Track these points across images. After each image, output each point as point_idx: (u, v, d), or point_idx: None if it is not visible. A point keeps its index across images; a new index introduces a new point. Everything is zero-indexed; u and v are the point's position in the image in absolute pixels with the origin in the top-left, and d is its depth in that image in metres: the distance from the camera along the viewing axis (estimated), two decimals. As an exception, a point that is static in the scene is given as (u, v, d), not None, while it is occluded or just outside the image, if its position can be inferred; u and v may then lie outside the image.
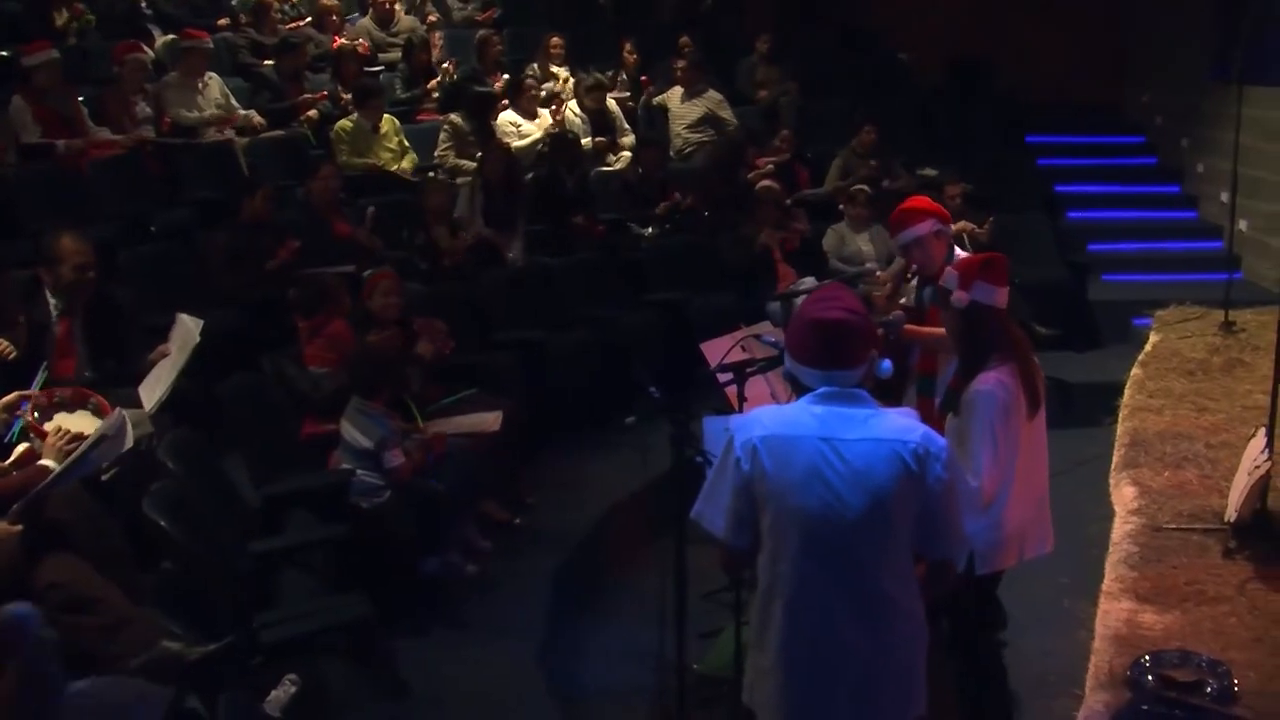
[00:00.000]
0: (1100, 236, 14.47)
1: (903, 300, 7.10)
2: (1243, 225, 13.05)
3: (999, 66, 16.44)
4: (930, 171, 13.64)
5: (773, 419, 4.18)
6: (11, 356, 6.81)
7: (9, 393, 6.23)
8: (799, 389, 4.22)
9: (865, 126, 13.57)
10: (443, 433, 7.88)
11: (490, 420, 8.16)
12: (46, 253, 7.43)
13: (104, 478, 6.01)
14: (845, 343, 4.12)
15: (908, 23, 17.00)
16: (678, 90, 14.27)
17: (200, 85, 12.00)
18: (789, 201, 12.66)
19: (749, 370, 6.10)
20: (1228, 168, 11.61)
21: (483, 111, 12.62)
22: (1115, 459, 8.61)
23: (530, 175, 12.23)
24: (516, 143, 12.58)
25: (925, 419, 4.25)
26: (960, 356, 5.50)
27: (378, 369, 7.60)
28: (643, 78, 14.75)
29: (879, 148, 13.56)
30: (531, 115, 12.88)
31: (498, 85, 13.53)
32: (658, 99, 14.43)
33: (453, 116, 12.59)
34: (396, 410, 7.73)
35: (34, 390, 6.17)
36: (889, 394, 6.20)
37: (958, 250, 6.87)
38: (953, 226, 6.85)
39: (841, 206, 12.43)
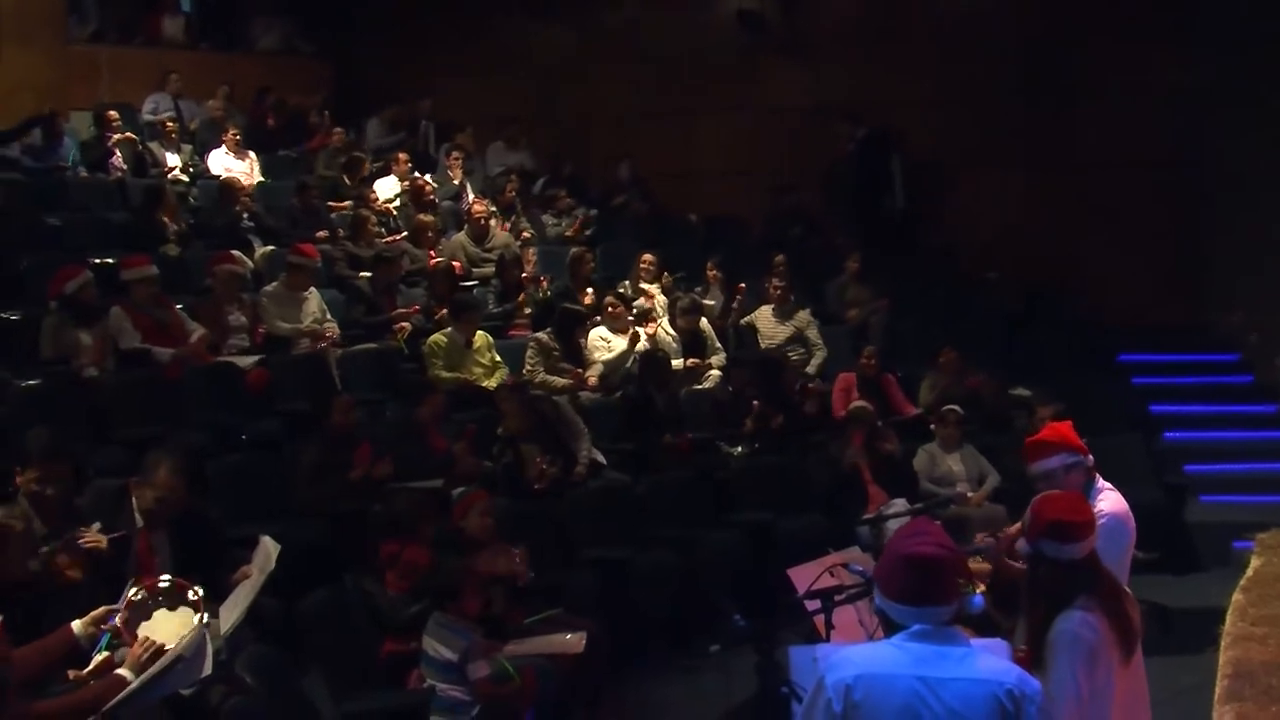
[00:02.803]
0: (1197, 457, 14.20)
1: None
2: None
3: (1082, 286, 16.41)
4: (1023, 392, 13.57)
5: (865, 658, 4.12)
6: (99, 548, 6.85)
7: (97, 595, 6.30)
8: (889, 626, 4.16)
9: (944, 349, 13.55)
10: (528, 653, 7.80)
11: (573, 641, 8.06)
12: (144, 470, 7.51)
13: (185, 692, 5.98)
14: (938, 579, 4.07)
15: (991, 243, 17.03)
16: (767, 309, 14.34)
17: (301, 299, 12.19)
18: (879, 422, 12.59)
19: (837, 598, 6.00)
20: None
21: (569, 328, 12.68)
22: (1218, 691, 8.31)
23: (619, 393, 12.29)
24: (605, 355, 12.69)
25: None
26: (1028, 602, 5.33)
27: (460, 582, 7.55)
28: (735, 302, 14.73)
29: (962, 369, 13.51)
30: (622, 331, 12.94)
31: (588, 301, 13.63)
32: (746, 318, 14.50)
33: (539, 334, 12.67)
34: (481, 628, 7.66)
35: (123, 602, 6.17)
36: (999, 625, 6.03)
37: (1100, 481, 6.49)
38: (1091, 458, 6.54)
39: (932, 427, 12.35)
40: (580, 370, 12.46)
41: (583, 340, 12.70)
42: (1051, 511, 5.22)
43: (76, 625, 5.83)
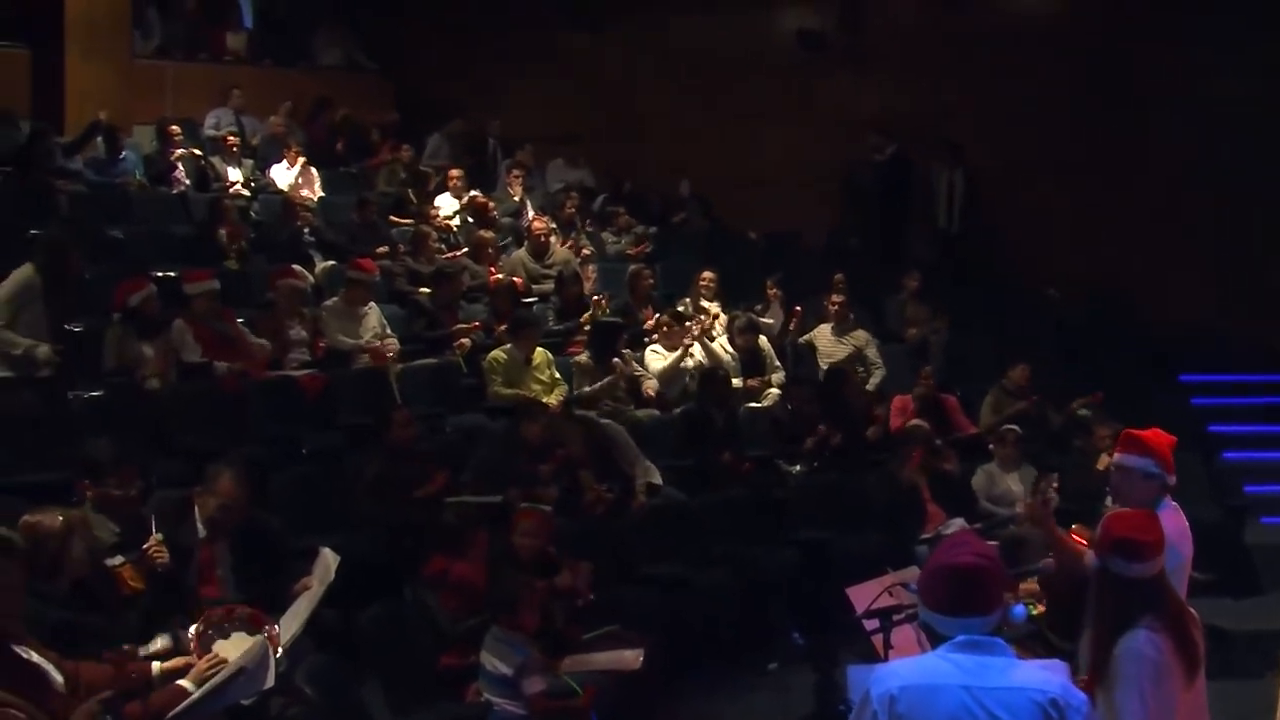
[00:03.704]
0: (1257, 478, 14.00)
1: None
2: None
3: (1143, 304, 16.28)
4: (1084, 411, 13.47)
5: (910, 669, 4.13)
6: (162, 560, 6.95)
7: (157, 603, 6.38)
8: (934, 638, 4.16)
9: (1018, 365, 13.47)
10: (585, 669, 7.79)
11: (630, 658, 8.03)
12: (206, 479, 7.57)
13: (245, 702, 6.01)
14: (979, 589, 4.08)
15: (1051, 258, 16.92)
16: (826, 327, 14.32)
17: (360, 314, 12.26)
18: (938, 441, 12.53)
19: (896, 618, 5.99)
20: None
21: (605, 344, 12.66)
22: (1278, 716, 8.26)
23: (679, 410, 12.31)
24: (657, 364, 12.79)
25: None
26: (1094, 619, 5.29)
27: (517, 598, 7.56)
28: (792, 318, 14.69)
29: (1030, 386, 13.44)
30: (674, 349, 12.94)
31: (649, 320, 13.64)
32: (805, 337, 14.47)
33: (579, 357, 12.72)
34: (539, 643, 7.66)
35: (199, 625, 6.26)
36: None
37: (1168, 502, 6.33)
38: (1173, 478, 6.40)
39: (991, 446, 12.29)
40: (620, 366, 12.46)
41: (619, 356, 12.64)
42: (1122, 528, 5.19)
43: (156, 666, 5.95)
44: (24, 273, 10.05)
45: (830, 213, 18.42)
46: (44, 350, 9.83)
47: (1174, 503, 6.32)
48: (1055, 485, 7.09)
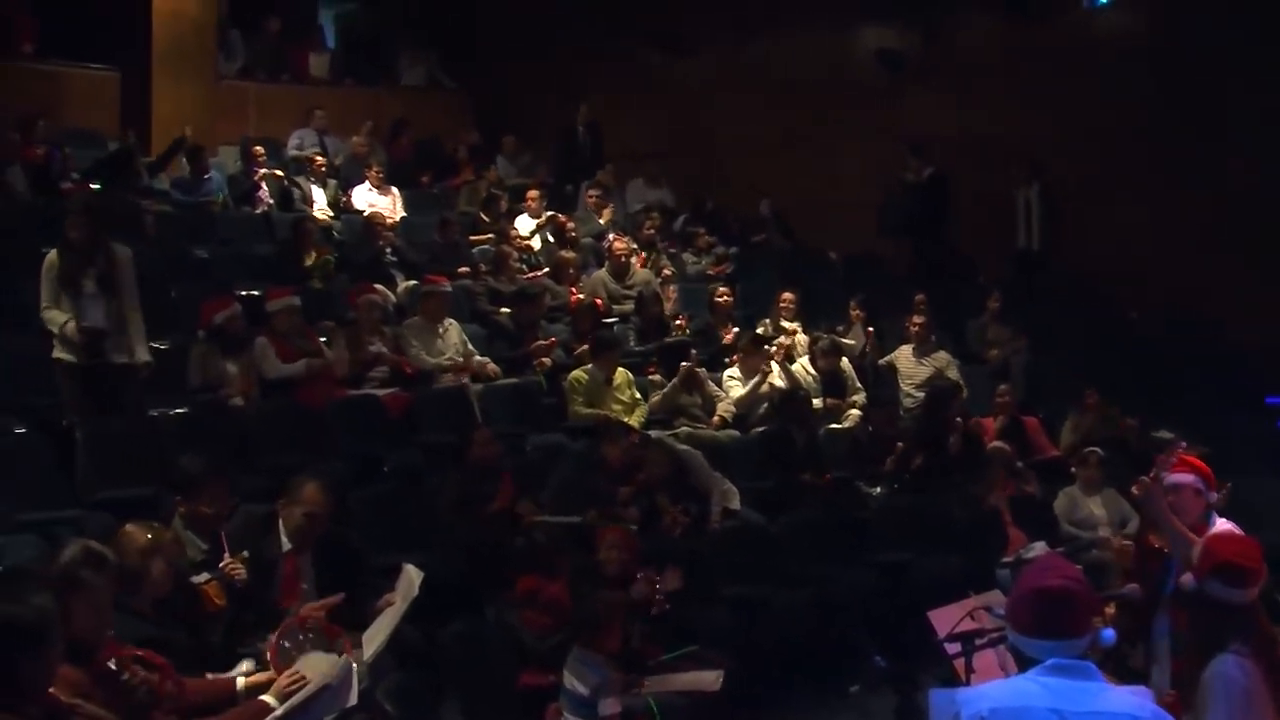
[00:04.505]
0: (1348, 504, 13.85)
1: None
2: None
3: (1226, 325, 16.08)
4: (1165, 434, 13.31)
5: (1000, 692, 4.08)
6: (240, 578, 7.03)
7: (239, 618, 6.44)
8: (1023, 662, 4.12)
9: (1089, 390, 13.37)
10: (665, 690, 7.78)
11: (710, 679, 8.01)
12: (290, 490, 7.65)
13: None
14: (1068, 612, 4.05)
15: (1133, 277, 16.75)
16: (907, 348, 14.27)
17: (440, 330, 12.32)
18: (1019, 463, 12.44)
19: (978, 642, 5.95)
20: None
21: (676, 363, 12.70)
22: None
23: (759, 431, 12.29)
24: (736, 391, 12.75)
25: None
26: (1184, 641, 5.26)
27: (601, 618, 7.57)
28: (869, 333, 14.65)
29: (1105, 410, 13.32)
30: (752, 374, 12.94)
31: (728, 339, 13.63)
32: (886, 358, 14.42)
33: (654, 375, 12.75)
34: (619, 665, 7.66)
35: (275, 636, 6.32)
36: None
37: (1216, 518, 6.63)
38: (1215, 495, 6.77)
39: (1074, 469, 12.19)
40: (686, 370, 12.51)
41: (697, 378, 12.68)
42: (1225, 552, 5.17)
43: (240, 681, 6.03)
44: (50, 255, 9.93)
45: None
46: (69, 327, 9.67)
47: (1229, 523, 6.57)
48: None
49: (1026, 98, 17.51)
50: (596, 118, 19.68)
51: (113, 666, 5.27)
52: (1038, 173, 17.42)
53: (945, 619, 6.44)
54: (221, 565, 7.06)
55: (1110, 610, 7.41)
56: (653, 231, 16.67)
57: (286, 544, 7.51)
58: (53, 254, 9.82)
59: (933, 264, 17.82)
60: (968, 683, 5.85)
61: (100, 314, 9.70)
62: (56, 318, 9.73)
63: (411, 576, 7.27)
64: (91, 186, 14.97)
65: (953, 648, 6.03)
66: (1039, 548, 9.89)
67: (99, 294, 9.70)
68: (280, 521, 7.56)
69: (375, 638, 6.85)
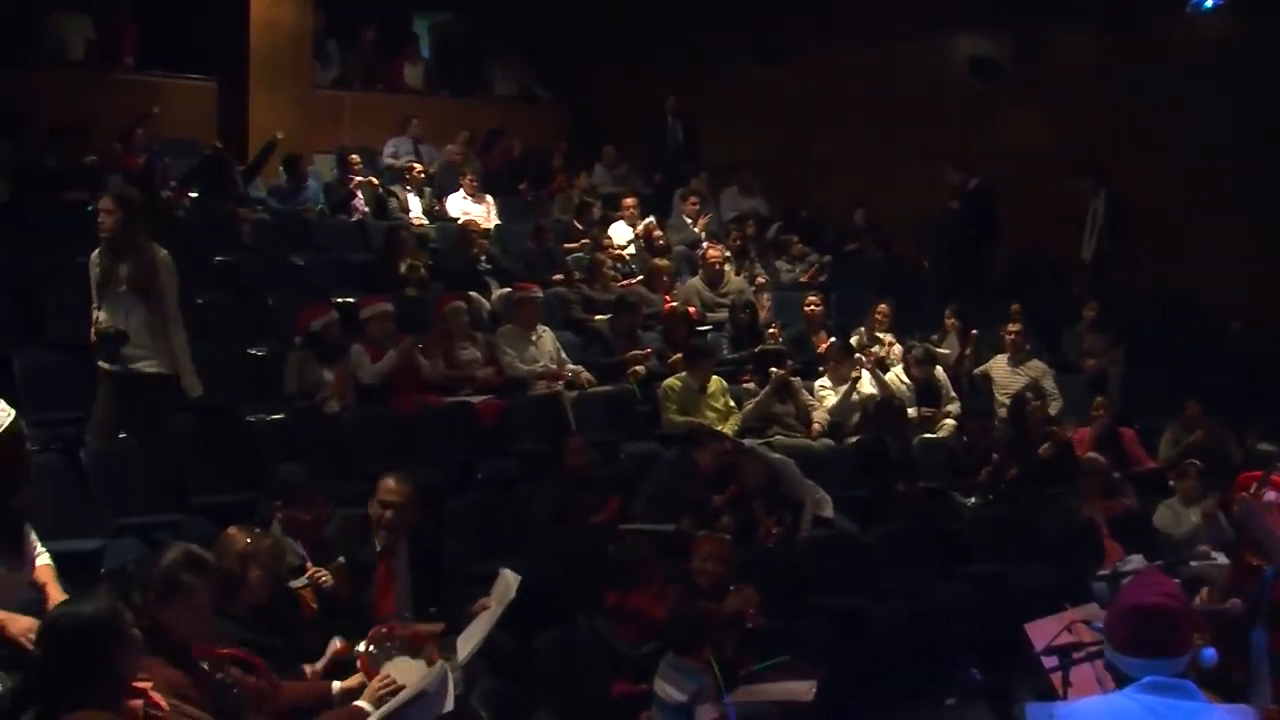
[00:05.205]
0: None
1: None
2: None
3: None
4: (1267, 447, 13.14)
5: (1096, 709, 4.05)
6: (327, 584, 7.12)
7: (330, 627, 6.50)
8: (1120, 679, 4.06)
9: (1188, 402, 13.22)
10: (757, 700, 7.76)
11: (803, 690, 7.96)
12: (376, 490, 7.78)
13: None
14: (1166, 630, 3.99)
15: (1233, 290, 16.50)
16: (1002, 358, 14.17)
17: (533, 337, 12.37)
18: (1116, 474, 12.32)
19: (1076, 656, 5.89)
20: None
21: (768, 372, 12.67)
22: None
23: (854, 440, 12.26)
24: (829, 400, 12.74)
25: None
26: None
27: (697, 626, 7.56)
28: (967, 351, 14.55)
29: (1204, 421, 13.16)
30: (843, 382, 12.90)
31: (822, 348, 13.59)
32: (980, 368, 14.33)
33: (748, 383, 12.72)
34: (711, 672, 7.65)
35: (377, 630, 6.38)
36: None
37: None
38: None
39: (1172, 482, 12.05)
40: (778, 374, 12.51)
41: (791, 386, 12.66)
42: None
43: (335, 685, 6.15)
44: (94, 253, 9.40)
45: (1005, 243, 18.15)
46: (102, 326, 9.19)
47: None
48: None
49: (1120, 110, 17.29)
50: (687, 111, 19.75)
51: (205, 667, 5.33)
52: (1101, 180, 17.15)
53: (1043, 632, 6.38)
54: (309, 573, 7.13)
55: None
56: (739, 241, 16.60)
57: (379, 544, 7.58)
58: (95, 252, 9.31)
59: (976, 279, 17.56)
60: (1064, 697, 5.79)
61: (121, 316, 9.15)
62: (96, 317, 9.29)
63: (509, 581, 7.31)
64: (190, 195, 15.20)
65: (1050, 661, 5.96)
66: (1136, 561, 9.80)
67: (131, 295, 9.13)
68: (372, 521, 7.65)
69: (469, 641, 6.88)
